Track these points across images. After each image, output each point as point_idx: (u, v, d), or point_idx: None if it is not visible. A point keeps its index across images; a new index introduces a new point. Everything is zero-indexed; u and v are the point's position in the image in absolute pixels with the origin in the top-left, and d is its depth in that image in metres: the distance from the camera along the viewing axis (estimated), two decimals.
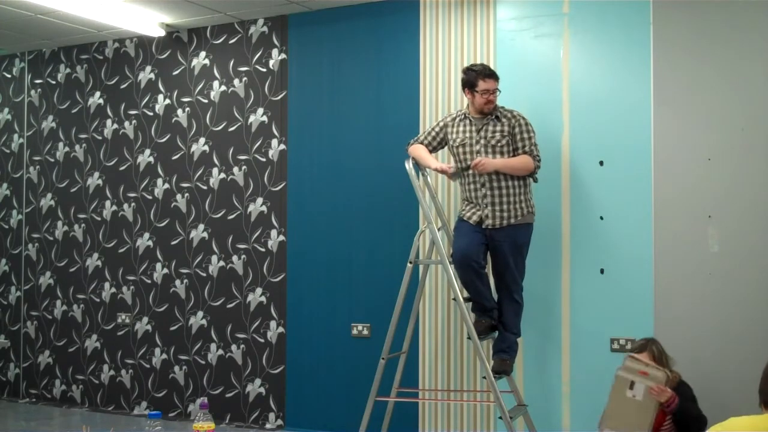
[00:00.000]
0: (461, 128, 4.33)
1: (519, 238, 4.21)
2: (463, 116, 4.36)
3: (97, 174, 6.19)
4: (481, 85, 4.20)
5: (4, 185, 6.64)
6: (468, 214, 4.25)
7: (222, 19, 5.57)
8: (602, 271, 4.46)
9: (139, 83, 6.04)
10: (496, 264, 4.26)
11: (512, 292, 4.23)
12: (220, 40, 5.70)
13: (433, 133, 4.44)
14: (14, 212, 6.58)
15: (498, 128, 4.23)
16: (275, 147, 5.48)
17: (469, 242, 4.18)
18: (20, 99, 6.61)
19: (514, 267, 4.20)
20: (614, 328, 4.40)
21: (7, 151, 6.64)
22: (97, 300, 6.16)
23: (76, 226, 6.27)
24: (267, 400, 5.44)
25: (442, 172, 4.33)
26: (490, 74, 4.22)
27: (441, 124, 4.44)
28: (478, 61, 4.70)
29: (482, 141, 4.23)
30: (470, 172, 4.23)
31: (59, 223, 6.35)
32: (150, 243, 5.94)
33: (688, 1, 4.32)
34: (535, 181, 4.29)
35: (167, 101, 5.91)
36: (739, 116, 4.20)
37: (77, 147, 6.29)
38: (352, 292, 5.19)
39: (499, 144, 4.20)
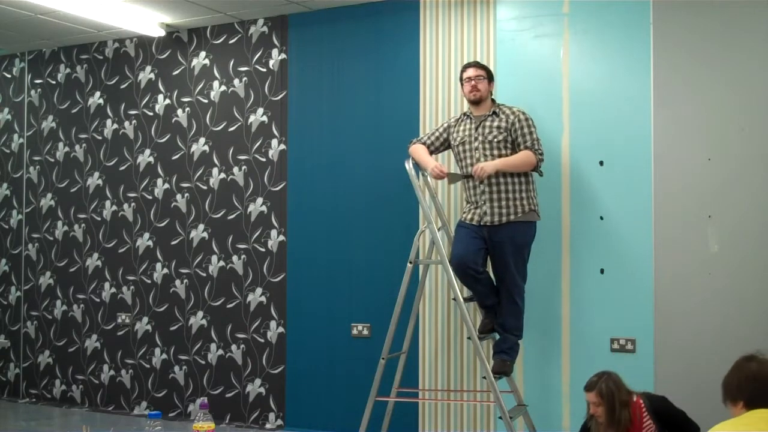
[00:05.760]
0: (462, 127, 4.34)
1: (518, 237, 4.19)
2: (464, 116, 4.38)
3: (97, 174, 6.19)
4: (463, 75, 4.36)
5: (4, 185, 6.64)
6: (468, 216, 4.25)
7: (222, 19, 5.57)
8: (602, 271, 4.45)
9: (139, 83, 6.04)
10: (496, 266, 4.25)
11: (512, 295, 4.21)
12: (220, 40, 5.70)
13: (437, 134, 4.43)
14: (14, 212, 6.58)
15: (495, 124, 4.23)
16: (275, 147, 5.48)
17: (465, 249, 4.17)
18: (20, 99, 6.61)
19: (514, 269, 4.18)
20: (614, 328, 4.40)
21: (7, 151, 6.64)
22: (97, 300, 6.16)
23: (76, 226, 6.27)
24: (267, 400, 5.44)
25: (438, 177, 4.28)
26: (469, 64, 4.40)
27: (445, 125, 4.45)
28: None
29: (479, 138, 4.23)
30: (471, 174, 4.23)
31: (59, 223, 6.35)
32: (150, 243, 5.94)
33: (688, 1, 4.32)
34: (540, 175, 4.27)
35: (167, 101, 5.91)
36: (739, 116, 4.19)
37: (77, 147, 6.29)
38: (352, 292, 5.19)
39: (496, 140, 4.20)
